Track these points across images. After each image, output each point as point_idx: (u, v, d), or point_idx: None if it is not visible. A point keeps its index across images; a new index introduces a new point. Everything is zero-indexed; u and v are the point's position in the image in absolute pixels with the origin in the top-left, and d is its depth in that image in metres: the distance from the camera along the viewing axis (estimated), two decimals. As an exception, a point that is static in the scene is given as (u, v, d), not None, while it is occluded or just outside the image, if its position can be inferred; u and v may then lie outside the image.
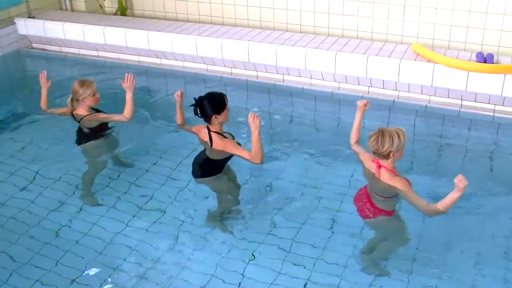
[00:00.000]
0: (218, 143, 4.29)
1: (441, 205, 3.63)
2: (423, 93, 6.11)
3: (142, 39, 7.19)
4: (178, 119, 4.64)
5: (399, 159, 3.84)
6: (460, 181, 3.51)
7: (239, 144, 4.38)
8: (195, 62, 7.16)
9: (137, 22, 7.57)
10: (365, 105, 4.27)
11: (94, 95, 5.03)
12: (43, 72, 5.29)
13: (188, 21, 7.76)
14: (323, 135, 5.69)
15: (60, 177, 5.04)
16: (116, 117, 4.98)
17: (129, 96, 4.89)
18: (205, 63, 7.11)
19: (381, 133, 3.75)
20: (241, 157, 4.27)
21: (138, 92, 6.62)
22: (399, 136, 3.73)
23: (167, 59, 7.31)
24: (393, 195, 3.85)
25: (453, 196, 3.58)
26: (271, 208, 4.54)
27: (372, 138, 3.76)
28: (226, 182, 4.54)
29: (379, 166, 3.83)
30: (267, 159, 5.14)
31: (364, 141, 3.99)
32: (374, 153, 3.79)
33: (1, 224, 4.46)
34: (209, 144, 4.33)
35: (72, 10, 8.46)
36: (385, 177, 3.81)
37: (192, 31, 7.07)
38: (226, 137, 4.35)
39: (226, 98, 4.29)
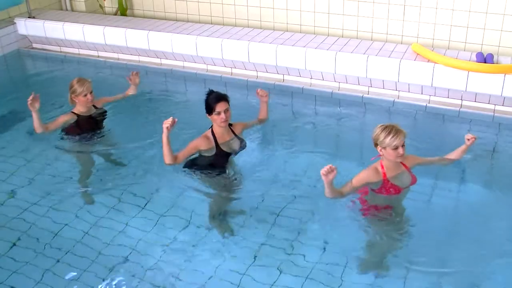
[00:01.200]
0: None
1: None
2: (423, 93, 6.11)
3: (142, 39, 7.19)
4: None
5: (389, 160, 3.95)
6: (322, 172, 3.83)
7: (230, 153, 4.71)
8: (195, 62, 7.16)
9: (137, 22, 7.57)
10: (469, 139, 4.54)
11: (85, 95, 5.05)
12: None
13: (188, 21, 7.76)
14: (323, 135, 5.69)
15: (59, 177, 5.03)
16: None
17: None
18: (205, 63, 7.11)
19: (384, 124, 3.97)
20: None
21: (138, 92, 6.63)
22: (389, 133, 3.85)
23: (167, 59, 7.31)
24: (373, 188, 4.05)
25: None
26: (271, 207, 4.54)
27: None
28: (216, 183, 4.63)
29: (378, 156, 4.04)
30: (268, 157, 5.17)
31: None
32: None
33: (1, 225, 4.46)
34: None
35: (72, 10, 8.46)
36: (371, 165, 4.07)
37: (192, 31, 7.07)
38: (216, 141, 4.59)
39: (217, 104, 4.47)
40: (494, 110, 5.83)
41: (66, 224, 4.42)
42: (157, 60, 7.38)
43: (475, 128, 5.71)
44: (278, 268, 3.92)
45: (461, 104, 5.95)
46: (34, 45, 8.08)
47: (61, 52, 7.90)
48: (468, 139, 4.51)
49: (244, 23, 7.48)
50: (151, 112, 6.18)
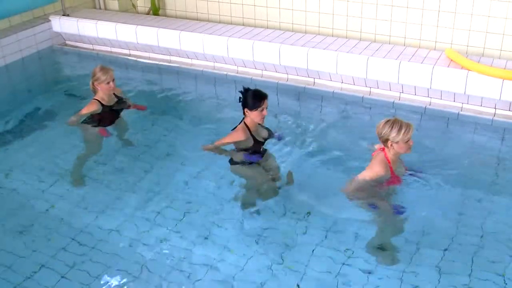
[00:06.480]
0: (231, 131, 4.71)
1: None
2: (456, 101, 6.01)
3: (174, 39, 7.23)
4: None
5: (401, 152, 4.06)
6: None
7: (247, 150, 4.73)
8: (225, 64, 7.17)
9: (169, 22, 7.61)
10: None
11: (108, 83, 5.13)
12: None
13: (220, 22, 7.78)
14: (352, 140, 5.63)
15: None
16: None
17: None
18: (235, 65, 7.11)
19: (390, 119, 4.04)
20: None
21: (169, 92, 6.69)
22: (400, 128, 3.98)
23: (198, 59, 7.33)
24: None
25: None
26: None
27: (381, 121, 4.09)
28: (252, 173, 4.75)
29: (381, 149, 4.14)
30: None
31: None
32: (377, 135, 4.10)
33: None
34: None
35: (105, 9, 8.56)
36: (374, 159, 4.15)
37: (223, 32, 7.08)
38: (251, 133, 4.67)
39: (263, 101, 4.57)
40: (529, 120, 5.71)
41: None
42: (188, 61, 7.41)
43: (508, 137, 5.60)
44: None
45: (495, 113, 5.84)
46: (68, 43, 8.19)
47: (93, 49, 7.99)
48: None
49: (276, 25, 7.47)
50: (181, 112, 6.22)
